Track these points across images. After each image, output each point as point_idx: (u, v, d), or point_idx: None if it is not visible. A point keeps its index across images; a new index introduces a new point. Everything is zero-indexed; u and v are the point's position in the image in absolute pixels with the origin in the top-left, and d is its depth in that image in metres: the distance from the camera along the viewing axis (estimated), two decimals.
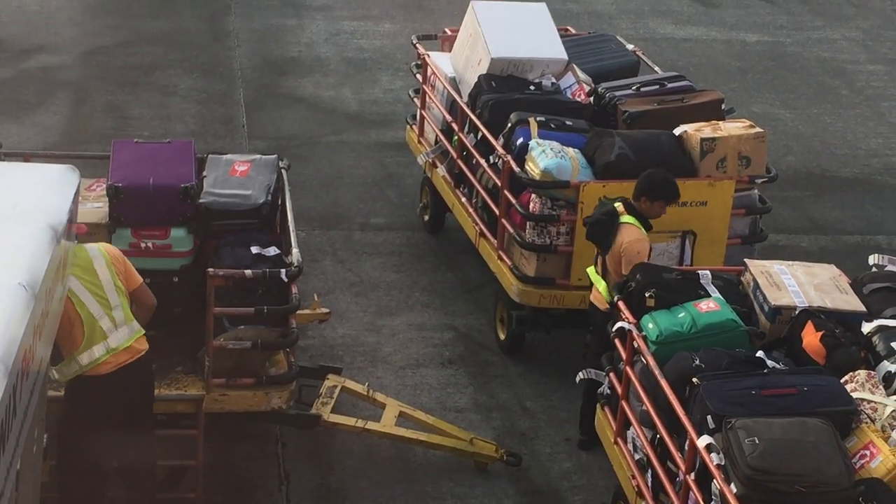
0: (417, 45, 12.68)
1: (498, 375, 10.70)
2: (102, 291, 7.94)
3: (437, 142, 12.00)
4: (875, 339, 7.82)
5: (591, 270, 9.35)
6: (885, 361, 7.64)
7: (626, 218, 9.09)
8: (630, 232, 9.03)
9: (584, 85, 11.36)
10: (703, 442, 7.05)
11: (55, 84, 15.24)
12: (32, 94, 14.91)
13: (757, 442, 6.79)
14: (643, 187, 9.19)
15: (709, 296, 8.13)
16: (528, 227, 10.25)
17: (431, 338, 11.09)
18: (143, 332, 8.12)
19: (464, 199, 11.36)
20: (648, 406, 7.78)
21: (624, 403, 8.24)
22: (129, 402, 8.06)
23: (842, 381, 7.42)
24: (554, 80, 11.39)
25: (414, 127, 12.62)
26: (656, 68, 11.99)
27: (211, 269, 8.47)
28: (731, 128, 10.44)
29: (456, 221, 11.77)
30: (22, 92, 14.96)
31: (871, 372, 7.53)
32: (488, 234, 10.86)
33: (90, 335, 7.89)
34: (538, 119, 10.52)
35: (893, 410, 7.18)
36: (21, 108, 14.52)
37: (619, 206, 9.16)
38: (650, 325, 7.97)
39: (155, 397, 8.27)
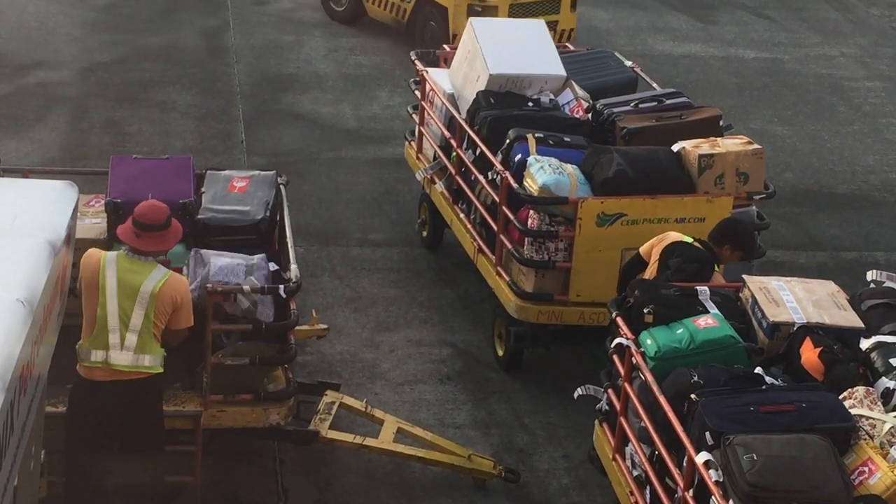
0: (416, 61, 12.68)
1: (496, 391, 10.68)
2: (130, 310, 7.93)
3: (435, 158, 11.99)
4: (873, 355, 7.81)
5: None
6: (883, 378, 7.63)
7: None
8: (721, 280, 8.95)
9: (583, 101, 11.37)
10: (701, 458, 7.05)
11: (54, 100, 15.24)
12: (31, 110, 14.92)
13: (755, 458, 6.78)
14: (731, 237, 9.05)
15: (707, 312, 8.12)
16: (526, 243, 10.25)
17: (430, 354, 11.08)
18: (152, 370, 8.02)
19: (462, 215, 11.35)
20: (647, 422, 7.77)
21: (622, 420, 8.24)
22: (129, 419, 8.05)
23: (840, 397, 7.41)
24: (552, 97, 11.40)
25: (412, 143, 12.61)
26: (654, 85, 12.00)
27: (209, 285, 8.47)
28: (729, 144, 10.45)
29: (454, 237, 11.77)
30: (21, 108, 14.96)
31: (870, 388, 7.52)
32: (486, 250, 10.85)
33: (96, 338, 7.93)
34: (536, 135, 10.53)
35: (892, 427, 7.18)
36: (20, 124, 14.52)
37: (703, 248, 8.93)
38: (648, 342, 7.96)
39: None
